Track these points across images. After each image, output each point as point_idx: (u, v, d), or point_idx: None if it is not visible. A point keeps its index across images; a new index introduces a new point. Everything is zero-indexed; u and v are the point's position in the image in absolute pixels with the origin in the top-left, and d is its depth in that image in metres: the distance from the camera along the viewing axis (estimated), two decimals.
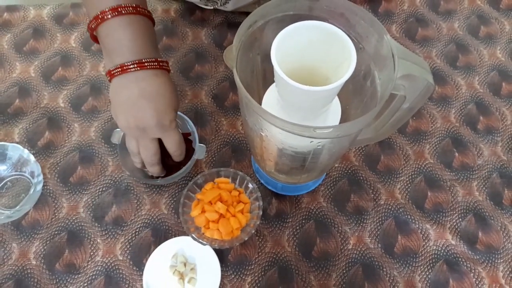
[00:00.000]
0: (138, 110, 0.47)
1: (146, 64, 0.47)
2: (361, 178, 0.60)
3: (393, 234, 0.56)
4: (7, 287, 0.53)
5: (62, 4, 0.74)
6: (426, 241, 0.55)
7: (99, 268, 0.54)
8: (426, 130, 0.63)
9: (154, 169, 0.53)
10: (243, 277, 0.53)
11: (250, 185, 0.54)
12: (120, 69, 0.46)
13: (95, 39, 0.49)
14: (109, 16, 0.45)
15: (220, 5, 0.68)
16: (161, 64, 0.48)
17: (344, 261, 0.54)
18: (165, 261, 0.54)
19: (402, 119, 0.41)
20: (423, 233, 0.56)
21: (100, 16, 0.45)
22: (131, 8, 0.46)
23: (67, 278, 0.53)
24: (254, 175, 0.60)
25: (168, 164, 0.56)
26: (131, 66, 0.46)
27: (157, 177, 0.56)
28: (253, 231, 0.52)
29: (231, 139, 0.63)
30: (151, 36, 0.49)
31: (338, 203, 0.58)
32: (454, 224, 0.56)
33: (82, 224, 0.56)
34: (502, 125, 0.64)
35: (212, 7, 0.70)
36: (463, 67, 0.69)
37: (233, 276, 0.54)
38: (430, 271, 0.54)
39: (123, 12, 0.45)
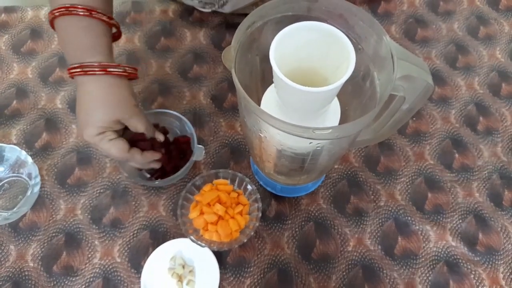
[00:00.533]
0: (77, 119, 0.47)
1: (85, 69, 0.45)
2: (361, 179, 0.59)
3: (393, 235, 0.56)
4: None
5: None
6: (426, 242, 0.55)
7: (97, 271, 0.53)
8: (426, 131, 0.63)
9: (134, 164, 0.52)
10: (242, 280, 0.53)
11: (249, 187, 0.54)
12: (80, 69, 0.45)
13: (53, 25, 0.47)
14: (80, 14, 0.44)
15: (218, 7, 0.68)
16: (87, 69, 0.45)
17: (344, 263, 0.54)
18: (163, 263, 0.53)
19: (401, 120, 0.41)
20: (423, 234, 0.56)
21: (70, 9, 0.44)
22: (102, 15, 0.45)
23: (64, 280, 0.53)
24: (253, 176, 0.60)
25: (166, 165, 0.56)
26: (78, 70, 0.45)
27: (156, 179, 0.56)
28: (252, 233, 0.51)
29: (230, 140, 0.62)
30: (103, 40, 0.47)
31: (338, 205, 0.58)
32: (455, 225, 0.56)
33: (80, 226, 0.56)
34: (502, 126, 0.63)
35: (209, 10, 0.70)
36: (463, 67, 0.69)
37: (232, 279, 0.53)
38: (430, 272, 0.53)
39: (93, 15, 0.44)
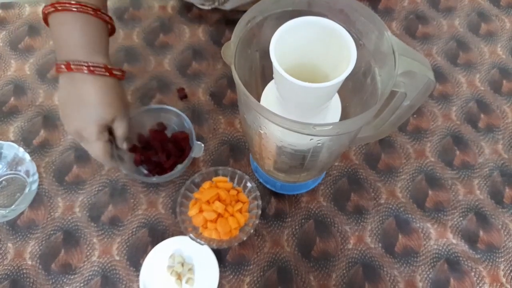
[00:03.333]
0: (63, 114, 0.48)
1: (80, 67, 0.45)
2: (361, 177, 0.59)
3: (393, 233, 0.55)
4: (2, 287, 0.52)
5: None
6: (427, 240, 0.55)
7: (96, 268, 0.53)
8: (426, 128, 0.63)
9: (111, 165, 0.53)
10: (242, 278, 0.53)
11: (248, 184, 0.54)
12: (65, 66, 0.45)
13: (47, 22, 0.48)
14: (74, 10, 0.44)
15: (219, 4, 0.68)
16: (93, 68, 0.45)
17: (344, 261, 0.54)
18: (162, 261, 0.53)
19: (402, 116, 0.41)
20: (424, 232, 0.55)
21: (62, 5, 0.44)
22: (91, 9, 0.45)
23: (63, 278, 0.53)
24: (252, 174, 0.59)
25: (165, 162, 0.56)
26: (63, 67, 0.45)
27: (153, 175, 0.56)
28: (252, 231, 0.51)
29: (229, 137, 0.62)
30: (103, 40, 0.48)
31: (338, 202, 0.57)
32: (455, 223, 0.56)
33: (78, 223, 0.56)
34: (503, 123, 0.63)
35: (209, 7, 0.69)
36: (464, 64, 0.68)
37: (231, 277, 0.53)
38: (431, 270, 0.53)
39: (82, 10, 0.44)
